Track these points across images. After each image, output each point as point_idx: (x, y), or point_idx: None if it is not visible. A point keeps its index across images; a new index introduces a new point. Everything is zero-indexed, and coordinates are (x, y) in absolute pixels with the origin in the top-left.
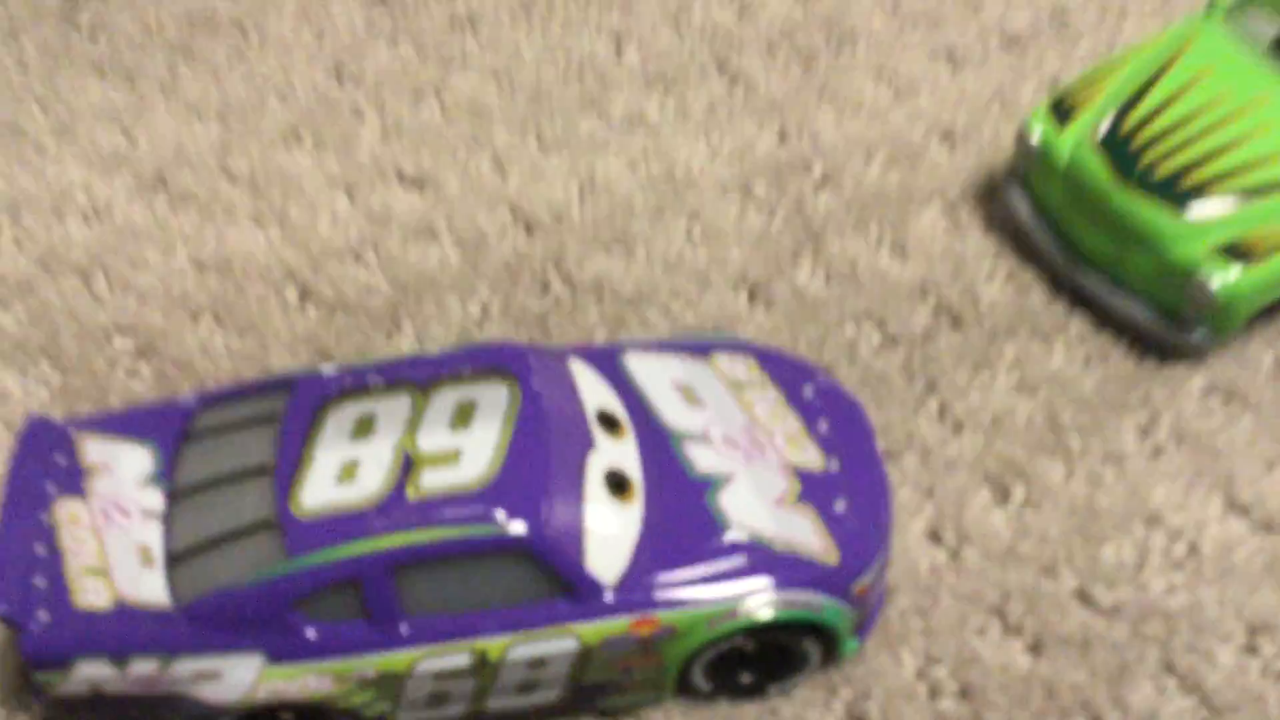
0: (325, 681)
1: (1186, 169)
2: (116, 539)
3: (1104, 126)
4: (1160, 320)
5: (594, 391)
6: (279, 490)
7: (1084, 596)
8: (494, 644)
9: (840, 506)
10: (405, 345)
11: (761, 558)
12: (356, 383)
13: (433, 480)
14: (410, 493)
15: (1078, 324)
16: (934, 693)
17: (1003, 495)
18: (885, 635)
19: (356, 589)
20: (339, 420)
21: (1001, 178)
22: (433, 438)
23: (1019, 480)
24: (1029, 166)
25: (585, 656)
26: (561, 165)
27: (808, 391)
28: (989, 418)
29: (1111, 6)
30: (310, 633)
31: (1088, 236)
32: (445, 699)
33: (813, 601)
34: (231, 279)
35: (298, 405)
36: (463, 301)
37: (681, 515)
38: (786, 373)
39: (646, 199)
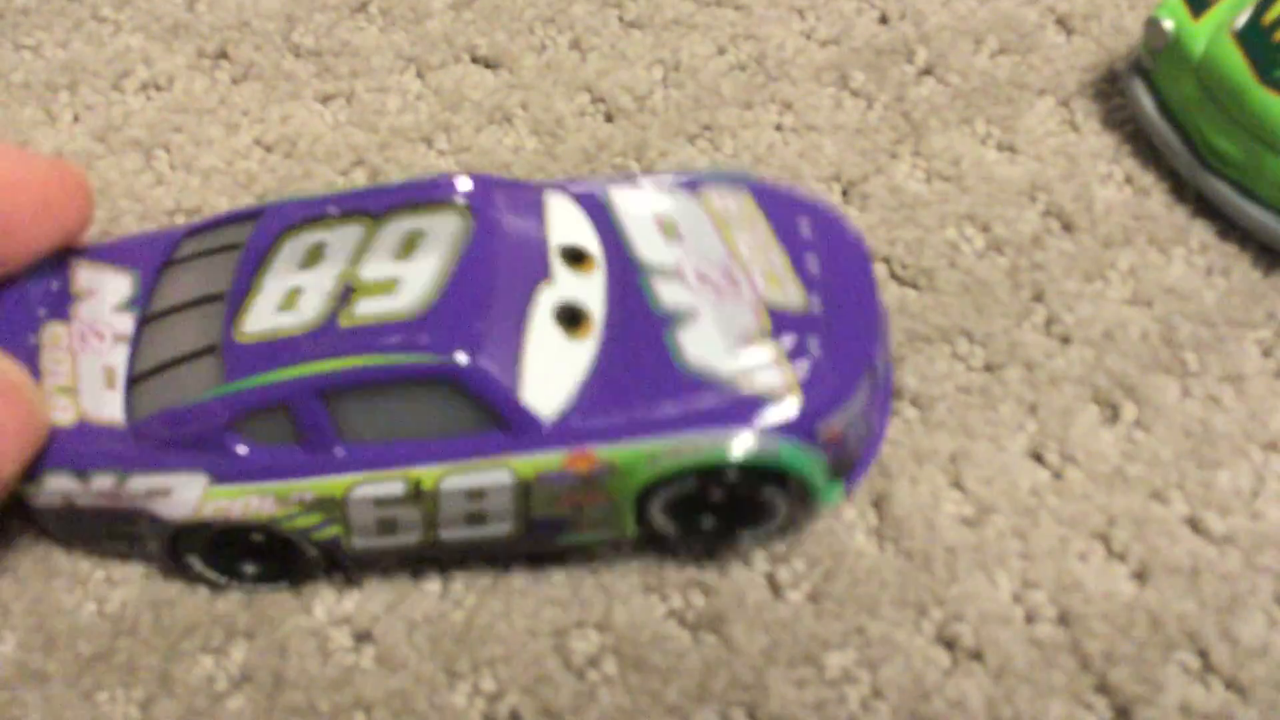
0: (267, 502)
1: None
2: (88, 361)
3: (1243, 18)
4: None
5: (565, 226)
6: (226, 316)
7: (1195, 523)
8: (428, 473)
9: (813, 346)
10: None
11: (715, 395)
12: (315, 212)
13: (367, 308)
14: (343, 320)
15: (1200, 232)
16: (1030, 618)
17: (1112, 414)
18: (980, 556)
19: (290, 413)
20: (293, 249)
21: (1124, 70)
22: (376, 267)
23: (1129, 399)
24: (1157, 59)
25: (524, 490)
26: (645, 46)
27: (804, 227)
28: (1099, 331)
29: None
30: (245, 452)
31: (1218, 137)
32: (393, 527)
33: (767, 444)
34: (297, 160)
35: (260, 234)
36: None
37: (637, 351)
38: (783, 208)
39: (735, 85)
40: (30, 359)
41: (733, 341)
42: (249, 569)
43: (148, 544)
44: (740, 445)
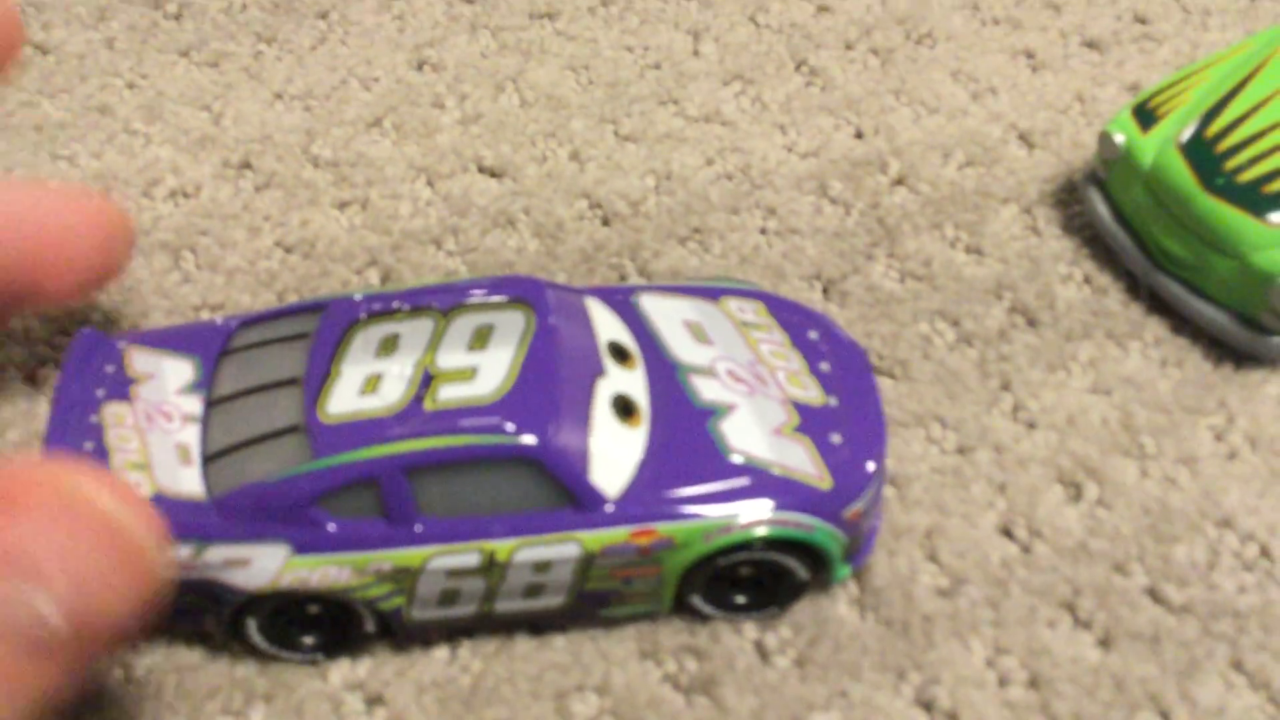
0: (345, 573)
1: (1271, 176)
2: (158, 439)
3: (1188, 132)
4: (1238, 325)
5: (608, 325)
6: (308, 398)
7: (1155, 594)
8: (502, 546)
9: (836, 439)
10: None
11: (758, 480)
12: (384, 306)
13: (449, 393)
14: (428, 404)
15: (1154, 327)
16: (1003, 681)
17: (1075, 493)
18: (955, 624)
19: (375, 489)
20: (366, 339)
21: (1080, 180)
22: (451, 357)
23: (1091, 479)
24: (1110, 169)
25: (587, 562)
26: (638, 157)
27: (813, 335)
28: (1063, 417)
29: (1194, 10)
30: (331, 526)
31: (1168, 240)
32: (456, 598)
33: (805, 522)
34: (315, 260)
35: (328, 325)
36: None
37: (684, 439)
38: (794, 317)
39: (722, 193)
40: (94, 437)
41: (768, 431)
42: (306, 640)
43: (205, 614)
44: (786, 524)
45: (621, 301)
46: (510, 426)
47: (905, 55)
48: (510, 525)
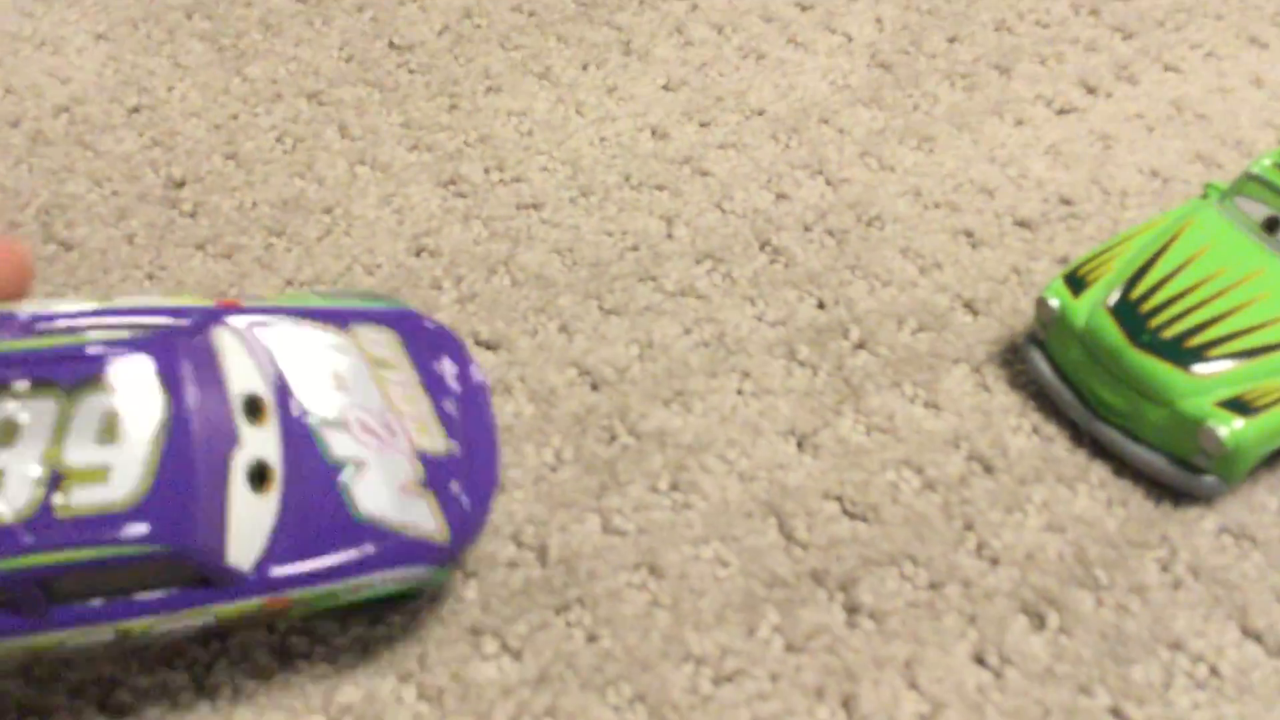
0: None
1: (1190, 332)
2: None
3: (1114, 295)
4: (1174, 467)
5: (242, 374)
6: None
7: (1117, 712)
8: (138, 624)
9: (455, 488)
10: None
11: (383, 541)
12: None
13: (82, 498)
14: (60, 510)
15: (1099, 471)
16: None
17: (1039, 622)
18: None
19: (3, 590)
20: None
21: (1022, 341)
22: (81, 451)
23: (1053, 608)
24: (1048, 331)
25: (219, 625)
26: (622, 329)
27: (444, 367)
28: (1023, 553)
29: (1113, 192)
30: None
31: (1104, 392)
32: (82, 651)
33: (424, 574)
34: None
35: None
36: (537, 449)
37: (315, 500)
38: (424, 350)
39: (701, 359)
40: None
41: (395, 490)
42: None
43: None
44: (407, 580)
45: (256, 332)
46: (148, 532)
47: (858, 235)
48: (148, 606)
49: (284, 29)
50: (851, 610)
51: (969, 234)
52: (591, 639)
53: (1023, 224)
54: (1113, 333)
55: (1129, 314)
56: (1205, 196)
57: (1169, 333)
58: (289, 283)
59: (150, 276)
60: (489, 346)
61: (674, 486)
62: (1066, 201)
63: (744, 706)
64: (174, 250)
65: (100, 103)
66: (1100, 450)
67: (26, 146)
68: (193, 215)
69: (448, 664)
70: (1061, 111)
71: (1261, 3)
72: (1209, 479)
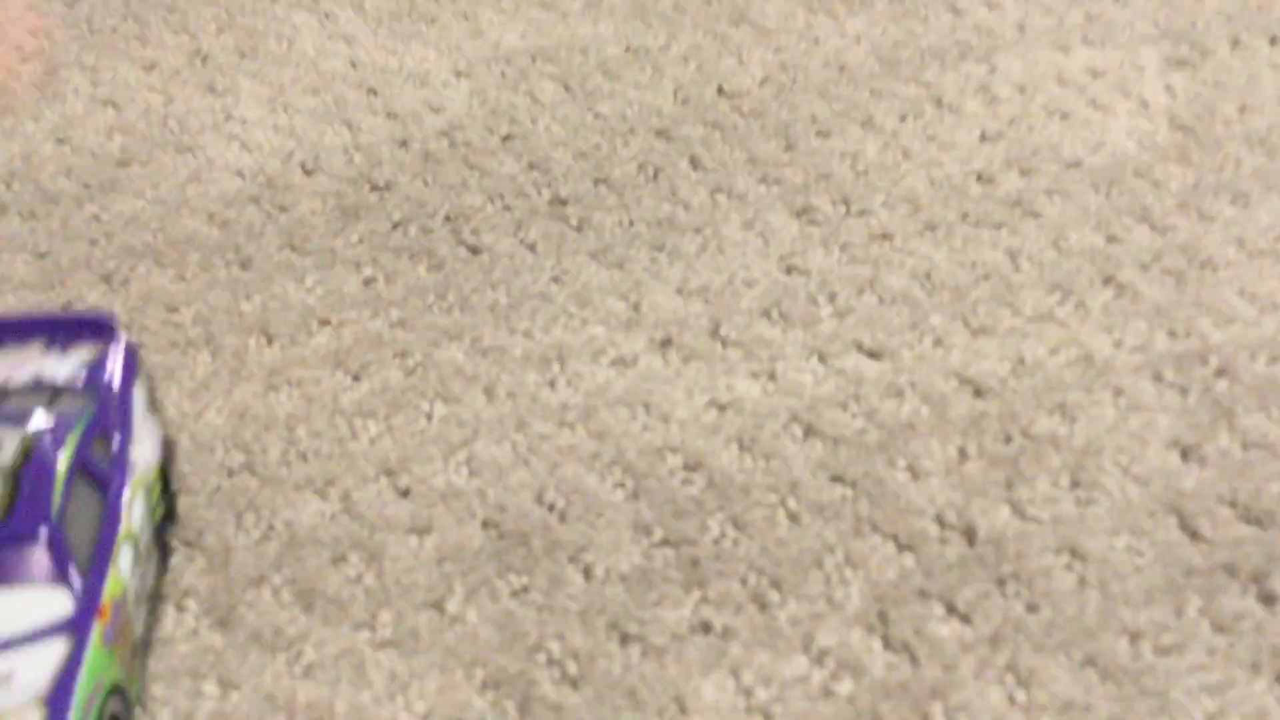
0: None
1: None
2: None
3: None
4: None
5: None
6: None
7: None
8: None
9: None
10: (897, 477)
11: None
12: None
13: None
14: None
15: None
16: None
17: None
18: None
19: None
20: None
21: None
22: None
23: None
24: None
25: None
26: (992, 346)
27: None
28: None
29: None
30: None
31: None
32: None
33: None
34: (745, 417)
35: None
36: (942, 444)
37: None
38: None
39: (1073, 376)
40: None
41: None
42: None
43: None
44: None
45: None
46: None
47: (1194, 277)
48: None
49: (622, 75)
50: (1267, 600)
51: None
52: (1032, 609)
53: None
54: None
55: None
56: None
57: None
58: (679, 290)
59: (555, 280)
60: (873, 355)
61: (1076, 484)
62: None
63: (1186, 675)
64: (571, 258)
65: (476, 130)
66: None
67: (420, 164)
68: (579, 229)
69: (908, 620)
70: None
71: None
72: None
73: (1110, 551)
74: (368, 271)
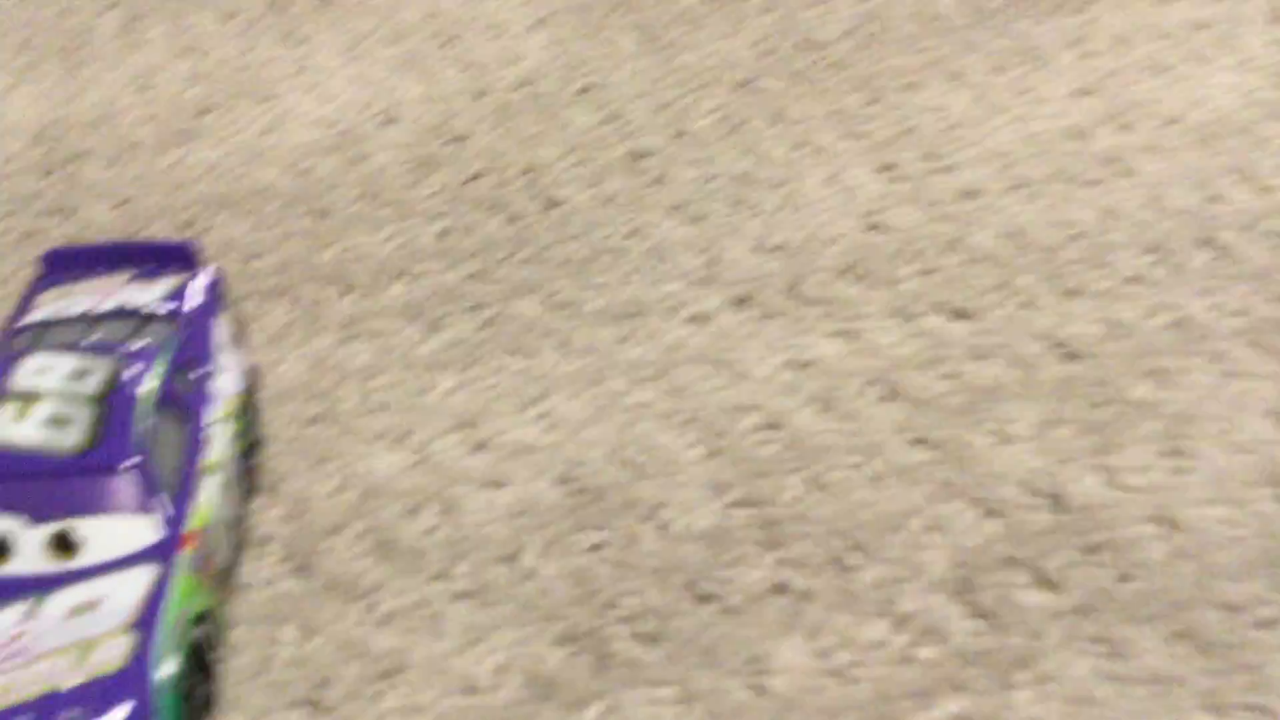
0: None
1: None
2: None
3: None
4: None
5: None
6: None
7: None
8: None
9: None
10: (982, 441)
11: None
12: None
13: None
14: None
15: None
16: None
17: None
18: None
19: None
20: None
21: None
22: None
23: None
24: None
25: None
26: (1085, 309)
27: None
28: None
29: None
30: None
31: None
32: None
33: None
34: (825, 378)
35: None
36: (1029, 409)
37: None
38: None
39: (1169, 340)
40: None
41: None
42: None
43: None
44: None
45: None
46: None
47: None
48: None
49: (702, 25)
50: None
51: None
52: (1124, 579)
53: None
54: None
55: None
56: None
57: None
58: (756, 247)
59: (632, 234)
60: (960, 316)
61: (1171, 452)
62: None
63: None
64: (648, 212)
65: (553, 81)
66: None
67: (496, 116)
68: (656, 182)
69: (993, 587)
70: None
71: None
72: None
73: (1206, 522)
74: (444, 223)
